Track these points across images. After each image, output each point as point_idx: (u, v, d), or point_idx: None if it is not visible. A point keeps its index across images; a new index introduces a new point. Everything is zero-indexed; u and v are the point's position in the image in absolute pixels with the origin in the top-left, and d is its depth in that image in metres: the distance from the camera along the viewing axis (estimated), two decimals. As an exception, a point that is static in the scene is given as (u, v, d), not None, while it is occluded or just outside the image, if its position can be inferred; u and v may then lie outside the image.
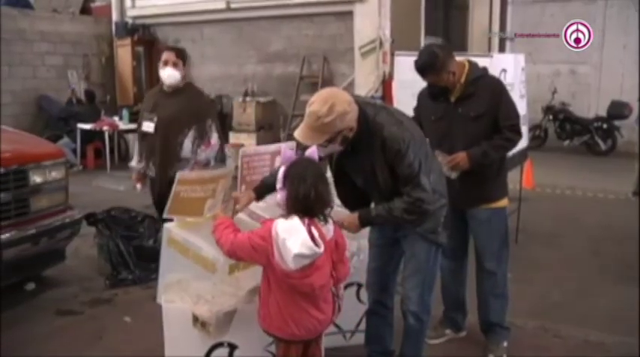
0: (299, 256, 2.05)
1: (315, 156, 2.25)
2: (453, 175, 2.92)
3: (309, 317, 2.23)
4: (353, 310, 3.01)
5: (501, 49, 9.06)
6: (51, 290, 4.10)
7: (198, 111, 3.83)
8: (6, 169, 3.56)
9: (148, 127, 3.81)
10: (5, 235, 3.52)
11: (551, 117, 10.76)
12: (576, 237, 5.45)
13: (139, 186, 4.06)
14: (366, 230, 2.76)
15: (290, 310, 2.21)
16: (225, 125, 9.62)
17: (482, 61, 4.46)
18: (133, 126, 9.34)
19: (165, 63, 3.79)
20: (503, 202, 3.12)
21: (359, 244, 2.94)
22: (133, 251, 4.40)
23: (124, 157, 8.96)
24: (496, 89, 2.99)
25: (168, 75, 3.78)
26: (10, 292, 3.87)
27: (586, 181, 7.84)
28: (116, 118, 9.09)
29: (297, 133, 2.34)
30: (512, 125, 2.95)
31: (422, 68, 2.92)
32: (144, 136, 3.89)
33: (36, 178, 3.80)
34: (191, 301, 2.56)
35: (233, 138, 9.25)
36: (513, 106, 3.04)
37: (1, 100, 8.60)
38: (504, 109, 2.95)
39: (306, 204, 2.13)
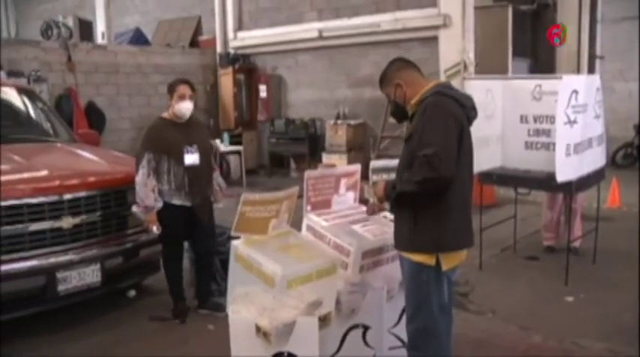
0: None
1: None
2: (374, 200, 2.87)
3: None
4: (359, 354, 2.96)
5: (590, 68, 8.61)
6: (148, 297, 4.57)
7: (208, 137, 4.29)
8: (107, 190, 4.03)
9: (193, 159, 3.92)
10: (108, 249, 4.01)
11: (643, 135, 10.04)
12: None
13: (156, 228, 3.91)
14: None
15: None
16: (318, 146, 10.06)
17: (551, 83, 4.43)
18: (234, 148, 10.11)
19: (183, 97, 3.97)
20: (419, 257, 2.58)
21: (363, 278, 2.92)
22: (220, 265, 4.76)
23: (226, 177, 9.57)
24: (425, 111, 2.50)
25: (187, 108, 4.00)
26: (114, 297, 4.39)
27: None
28: (218, 141, 9.80)
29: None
30: (424, 156, 2.38)
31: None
32: (186, 169, 3.90)
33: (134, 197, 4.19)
34: (256, 312, 2.78)
35: (325, 158, 9.64)
36: (433, 132, 2.42)
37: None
38: (420, 136, 2.45)
39: None
